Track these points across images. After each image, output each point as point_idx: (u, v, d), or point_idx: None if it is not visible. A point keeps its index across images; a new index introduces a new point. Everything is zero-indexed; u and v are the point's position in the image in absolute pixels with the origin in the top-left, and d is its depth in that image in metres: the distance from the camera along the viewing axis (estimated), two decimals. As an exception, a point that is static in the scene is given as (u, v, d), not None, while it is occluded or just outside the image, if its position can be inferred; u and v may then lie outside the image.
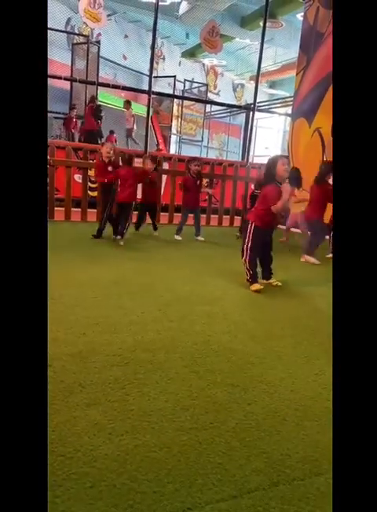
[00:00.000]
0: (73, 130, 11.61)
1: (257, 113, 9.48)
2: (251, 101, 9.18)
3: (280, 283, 3.85)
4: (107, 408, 1.72)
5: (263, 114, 12.67)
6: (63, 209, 6.59)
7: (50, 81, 9.74)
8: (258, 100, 9.11)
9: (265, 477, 1.42)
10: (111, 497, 1.28)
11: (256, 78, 8.94)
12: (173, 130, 15.39)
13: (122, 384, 1.90)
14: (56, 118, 12.11)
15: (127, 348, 2.27)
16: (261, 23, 8.86)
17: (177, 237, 5.95)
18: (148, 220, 6.23)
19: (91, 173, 6.56)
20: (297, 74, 8.07)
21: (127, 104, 11.21)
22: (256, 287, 3.65)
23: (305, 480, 1.42)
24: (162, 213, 7.28)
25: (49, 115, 11.40)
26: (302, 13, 8.37)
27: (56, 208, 6.56)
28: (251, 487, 1.37)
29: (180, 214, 6.20)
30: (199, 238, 6.09)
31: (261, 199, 3.70)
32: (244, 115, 15.85)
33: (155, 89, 9.89)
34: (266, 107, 13.73)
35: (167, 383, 1.95)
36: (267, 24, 8.65)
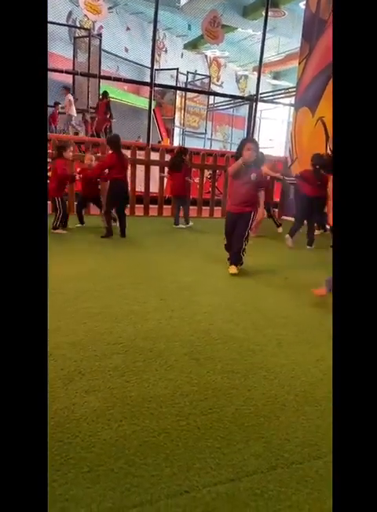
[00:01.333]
0: (55, 125, 11.55)
1: (260, 104, 9.40)
2: (255, 93, 9.10)
3: (235, 272, 3.74)
4: (107, 395, 1.72)
5: (267, 105, 12.59)
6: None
7: (52, 75, 9.75)
8: (261, 91, 9.03)
9: (264, 461, 1.41)
10: (109, 481, 1.28)
11: (258, 69, 8.87)
12: (177, 123, 15.32)
13: (121, 371, 1.91)
14: (59, 112, 12.10)
15: (127, 337, 2.27)
16: (264, 13, 8.77)
17: (182, 226, 6.23)
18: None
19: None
20: (300, 62, 7.99)
21: (64, 89, 10.82)
22: (230, 269, 3.79)
23: (303, 464, 1.41)
24: (165, 206, 7.28)
25: (51, 109, 11.40)
26: (304, 1, 8.27)
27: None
28: (249, 470, 1.36)
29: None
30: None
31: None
32: (248, 106, 15.73)
33: (157, 81, 9.84)
34: (270, 97, 13.62)
35: (167, 370, 1.95)
36: (269, 13, 8.56)
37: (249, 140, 3.96)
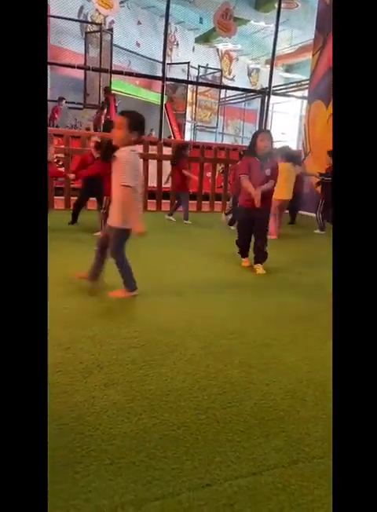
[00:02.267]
0: (55, 121, 11.53)
1: (272, 97, 9.30)
2: (267, 86, 9.01)
3: (263, 272, 3.62)
4: (126, 388, 1.73)
5: (279, 98, 12.46)
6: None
7: (64, 70, 9.78)
8: (273, 84, 8.93)
9: (285, 455, 1.41)
10: (131, 473, 1.29)
11: (271, 61, 8.77)
12: (188, 117, 15.24)
13: (139, 365, 1.91)
14: (70, 108, 12.11)
15: (144, 331, 2.28)
16: (276, 5, 8.66)
17: (188, 222, 6.21)
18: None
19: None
20: (313, 54, 7.90)
21: None
22: (243, 263, 3.80)
23: (324, 459, 1.41)
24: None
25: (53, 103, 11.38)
26: (318, -8, 8.14)
27: (72, 197, 6.57)
28: (270, 464, 1.36)
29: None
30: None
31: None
32: (260, 100, 15.59)
33: (169, 75, 9.78)
34: (282, 91, 13.47)
35: (184, 364, 1.95)
36: (282, 5, 8.44)
37: (263, 130, 3.89)
